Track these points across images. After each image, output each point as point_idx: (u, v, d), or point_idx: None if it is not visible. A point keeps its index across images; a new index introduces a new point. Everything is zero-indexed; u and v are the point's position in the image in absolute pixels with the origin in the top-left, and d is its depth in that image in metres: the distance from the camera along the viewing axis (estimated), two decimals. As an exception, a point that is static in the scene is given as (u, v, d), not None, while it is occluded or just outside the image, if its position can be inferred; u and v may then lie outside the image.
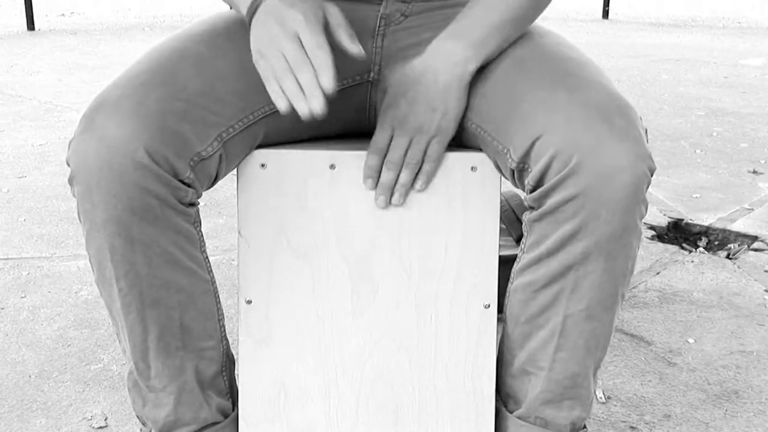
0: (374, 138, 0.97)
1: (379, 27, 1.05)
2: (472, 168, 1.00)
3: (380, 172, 0.98)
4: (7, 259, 1.98)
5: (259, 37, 0.90)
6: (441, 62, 0.94)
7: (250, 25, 0.93)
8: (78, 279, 1.85)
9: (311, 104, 0.85)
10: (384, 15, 1.05)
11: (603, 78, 0.94)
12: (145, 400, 1.02)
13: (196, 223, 0.95)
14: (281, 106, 0.87)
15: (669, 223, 2.25)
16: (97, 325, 1.63)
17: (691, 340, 1.58)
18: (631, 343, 1.57)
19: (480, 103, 0.97)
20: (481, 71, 0.97)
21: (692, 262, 1.99)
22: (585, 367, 0.99)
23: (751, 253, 2.05)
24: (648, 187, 0.90)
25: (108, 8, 9.53)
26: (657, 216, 2.29)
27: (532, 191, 0.92)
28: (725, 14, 9.62)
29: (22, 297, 1.76)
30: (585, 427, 1.06)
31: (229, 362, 1.06)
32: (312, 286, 1.04)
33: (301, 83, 0.85)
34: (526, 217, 0.95)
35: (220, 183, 2.56)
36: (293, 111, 0.98)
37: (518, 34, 0.98)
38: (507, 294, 1.02)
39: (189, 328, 0.98)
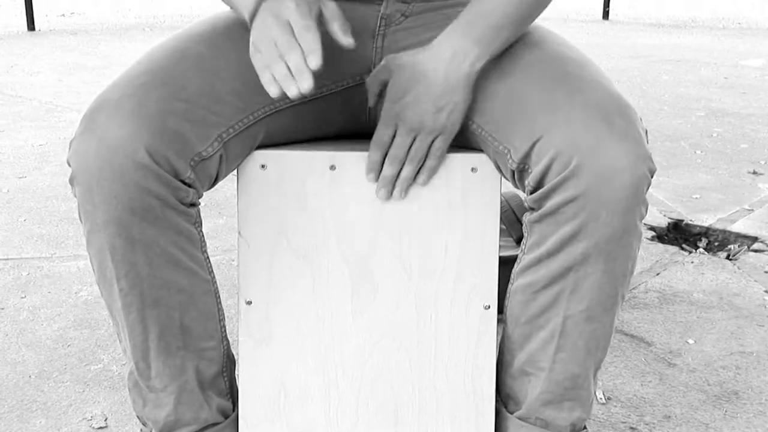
0: (377, 132, 0.97)
1: (379, 27, 1.05)
2: (473, 169, 1.00)
3: (382, 166, 0.98)
4: (7, 259, 1.98)
5: (255, 32, 0.90)
6: (447, 59, 0.93)
7: (251, 25, 0.93)
8: (78, 279, 1.85)
9: (300, 84, 0.84)
10: (384, 15, 1.05)
11: (603, 79, 0.94)
12: (146, 401, 1.02)
13: (197, 223, 0.95)
14: (272, 92, 0.86)
15: (669, 223, 2.25)
16: (97, 325, 1.63)
17: (691, 341, 1.58)
18: (631, 343, 1.57)
19: (481, 103, 0.96)
20: (482, 71, 0.97)
21: (692, 262, 1.99)
22: (585, 367, 0.99)
23: (751, 254, 2.05)
24: (648, 187, 0.90)
25: (108, 8, 9.53)
26: (657, 217, 2.29)
27: (532, 192, 0.92)
28: (725, 15, 9.62)
29: (22, 297, 1.76)
30: (585, 427, 1.06)
31: (229, 362, 1.06)
32: (312, 286, 1.04)
33: (290, 66, 0.85)
34: (527, 218, 0.95)
35: (220, 183, 2.56)
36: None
37: (519, 34, 0.98)
38: (507, 295, 1.02)
39: (189, 329, 0.98)
